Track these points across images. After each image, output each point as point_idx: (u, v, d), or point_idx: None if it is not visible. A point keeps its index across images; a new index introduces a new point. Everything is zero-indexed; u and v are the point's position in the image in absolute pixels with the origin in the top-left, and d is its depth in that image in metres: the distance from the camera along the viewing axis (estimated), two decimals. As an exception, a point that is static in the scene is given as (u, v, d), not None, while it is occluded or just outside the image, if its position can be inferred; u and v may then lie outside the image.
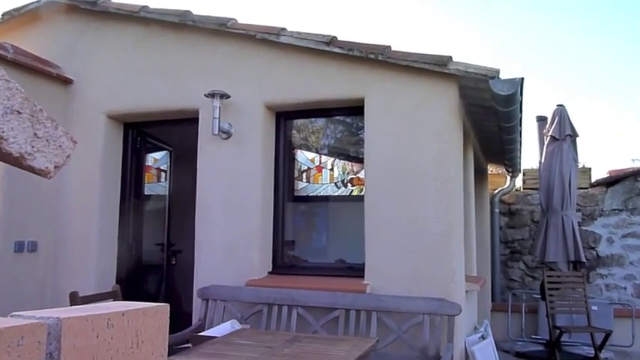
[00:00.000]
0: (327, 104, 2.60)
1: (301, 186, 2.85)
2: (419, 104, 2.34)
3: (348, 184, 2.78)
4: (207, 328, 2.32)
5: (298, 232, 2.92)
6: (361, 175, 2.66)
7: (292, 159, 2.88)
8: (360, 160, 2.70)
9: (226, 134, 2.63)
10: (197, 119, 2.72)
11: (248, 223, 2.55)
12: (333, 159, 2.82)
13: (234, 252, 2.56)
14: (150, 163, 3.45)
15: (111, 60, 2.94)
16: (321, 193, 2.81)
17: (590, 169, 4.66)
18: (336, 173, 2.79)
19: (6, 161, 0.44)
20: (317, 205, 2.93)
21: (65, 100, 2.82)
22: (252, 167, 2.59)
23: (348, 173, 2.80)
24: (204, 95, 2.54)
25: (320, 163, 2.83)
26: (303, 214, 2.99)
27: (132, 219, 3.03)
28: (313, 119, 2.87)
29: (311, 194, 2.84)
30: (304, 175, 2.84)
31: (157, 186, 3.55)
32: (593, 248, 4.42)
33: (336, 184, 2.79)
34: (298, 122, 2.90)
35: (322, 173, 2.77)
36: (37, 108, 0.46)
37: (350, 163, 2.77)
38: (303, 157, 2.87)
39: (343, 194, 2.79)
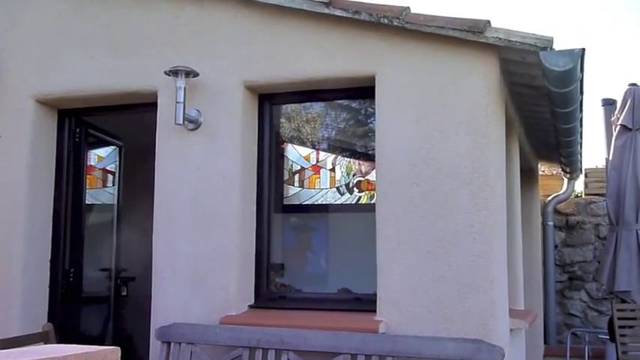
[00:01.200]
0: (327, 84, 2.63)
1: (293, 192, 2.87)
2: (447, 84, 2.37)
3: (355, 190, 2.81)
4: (169, 381, 2.29)
5: (289, 253, 2.96)
6: (371, 177, 2.71)
7: (281, 156, 2.89)
8: (369, 157, 2.75)
9: (194, 124, 2.66)
10: (155, 104, 2.74)
11: (223, 241, 2.58)
12: (334, 156, 2.83)
13: (204, 279, 2.58)
14: (93, 163, 3.48)
15: (41, 28, 2.94)
16: (319, 202, 2.82)
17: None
18: (338, 175, 2.81)
19: None
20: (313, 217, 2.98)
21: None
22: (228, 167, 2.62)
23: (354, 175, 2.82)
24: (165, 73, 2.54)
25: (317, 161, 2.84)
26: (296, 228, 3.03)
27: (69, 236, 3.04)
28: (308, 104, 2.92)
29: (305, 202, 2.87)
30: (297, 177, 2.85)
31: (102, 193, 3.57)
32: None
33: (338, 189, 2.82)
34: (288, 108, 2.95)
35: (320, 175, 2.81)
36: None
37: (357, 162, 2.81)
38: (296, 153, 2.88)
39: (348, 202, 2.81)
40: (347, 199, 2.85)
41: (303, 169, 2.90)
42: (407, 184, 2.38)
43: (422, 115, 2.38)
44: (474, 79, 2.33)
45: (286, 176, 2.89)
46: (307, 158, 2.91)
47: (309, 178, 2.85)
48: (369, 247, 2.46)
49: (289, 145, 2.90)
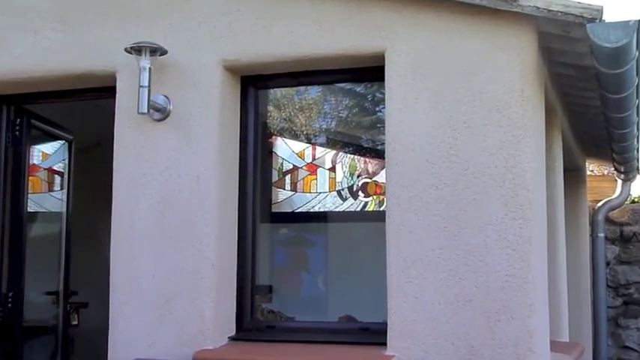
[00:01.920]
0: (325, 63, 2.63)
1: (283, 196, 2.94)
2: (473, 64, 2.37)
3: (360, 194, 2.86)
4: None
5: (279, 272, 3.01)
6: (380, 178, 2.76)
7: (269, 153, 2.96)
8: (378, 153, 2.79)
9: (161, 113, 2.66)
10: (113, 89, 2.74)
11: (197, 258, 2.58)
12: (334, 153, 2.90)
13: (174, 304, 2.58)
14: (37, 161, 3.50)
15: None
16: (316, 209, 2.89)
17: None
18: (339, 176, 2.88)
19: None
20: (309, 228, 3.06)
21: None
22: (204, 167, 2.62)
23: (359, 176, 2.87)
24: (126, 50, 2.53)
25: (314, 159, 2.91)
26: (287, 242, 3.10)
27: (6, 252, 3.02)
28: (303, 88, 2.97)
29: (299, 210, 2.94)
30: (288, 178, 2.92)
31: (47, 198, 3.58)
32: None
33: (339, 193, 2.88)
34: (278, 93, 2.99)
35: (317, 176, 2.86)
36: None
37: (362, 160, 2.88)
38: (287, 149, 2.95)
39: (351, 210, 2.89)
40: (350, 205, 2.89)
41: (296, 168, 2.95)
42: (424, 186, 2.39)
43: (442, 102, 2.39)
44: (506, 57, 2.33)
45: (275, 177, 2.93)
46: (301, 155, 2.96)
47: (303, 179, 2.89)
48: (377, 264, 2.48)
49: (279, 138, 2.93)
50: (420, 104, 2.40)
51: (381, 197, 2.65)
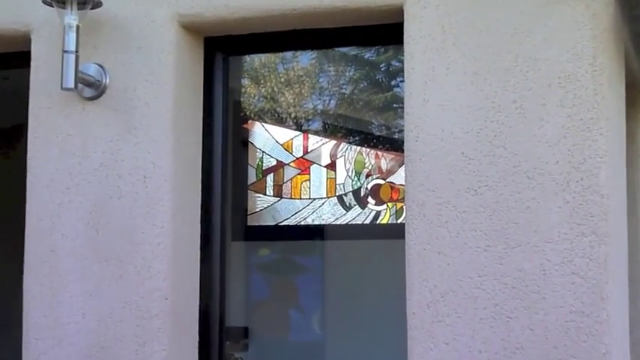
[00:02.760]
0: (321, 20, 2.61)
1: (264, 204, 2.96)
2: (527, 22, 2.32)
3: (369, 200, 2.90)
4: None
5: (258, 309, 3.02)
6: (398, 178, 2.78)
7: (244, 143, 2.97)
8: (395, 145, 2.85)
9: (94, 89, 2.64)
10: (27, 56, 2.72)
11: (143, 289, 2.57)
12: (334, 143, 2.90)
13: (111, 354, 2.56)
14: None
15: None
16: (309, 221, 2.90)
17: None
18: (341, 175, 2.84)
19: None
20: (299, 248, 2.99)
21: None
22: (153, 163, 2.61)
23: (368, 175, 2.89)
24: (43, 1, 2.47)
25: (305, 152, 2.89)
26: (269, 267, 3.06)
27: None
28: (290, 54, 2.97)
29: (285, 222, 2.97)
30: (270, 179, 2.94)
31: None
32: None
33: (341, 199, 2.86)
34: (256, 61, 2.97)
35: (311, 175, 2.83)
36: None
37: (373, 153, 2.88)
38: (269, 139, 2.92)
39: (358, 222, 2.89)
40: (356, 216, 2.91)
41: (281, 165, 2.97)
42: (458, 190, 2.34)
43: (483, 73, 2.34)
44: (571, 12, 2.27)
45: (253, 178, 2.96)
46: (288, 147, 2.97)
47: (291, 180, 2.88)
48: (394, 298, 2.48)
49: (258, 124, 2.95)
50: (452, 77, 2.36)
51: (399, 205, 2.67)
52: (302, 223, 2.97)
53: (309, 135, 2.95)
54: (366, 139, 2.94)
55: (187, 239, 2.69)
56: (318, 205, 2.96)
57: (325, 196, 2.93)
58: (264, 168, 2.96)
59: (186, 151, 2.70)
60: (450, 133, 2.39)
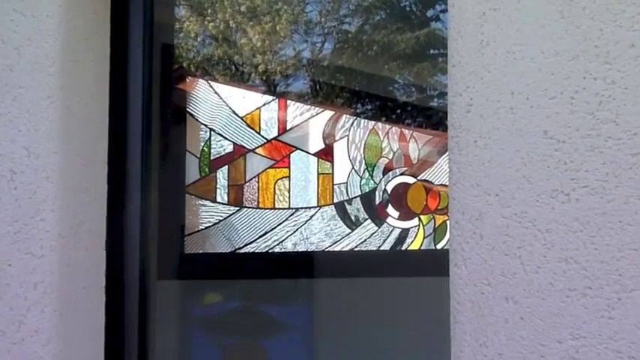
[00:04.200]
0: None
1: (211, 217, 3.00)
2: None
3: (390, 211, 2.93)
4: None
5: None
6: (435, 174, 2.78)
7: (179, 116, 2.97)
8: (431, 117, 2.86)
9: None
10: None
11: (13, 357, 2.55)
12: (331, 116, 2.98)
13: None
14: None
15: None
16: (289, 246, 2.94)
17: None
18: (342, 169, 2.95)
19: None
20: (271, 291, 3.04)
21: None
22: (27, 149, 2.60)
23: (388, 170, 2.97)
24: None
25: (282, 130, 2.97)
26: (221, 323, 3.18)
27: None
28: None
29: (248, 248, 2.97)
30: (222, 175, 3.00)
31: None
32: None
33: (342, 208, 2.96)
34: None
35: (291, 169, 2.91)
36: None
37: (395, 131, 2.89)
38: (220, 108, 3.02)
39: (370, 248, 2.91)
40: (368, 237, 2.87)
41: (241, 151, 2.95)
42: (538, 194, 2.29)
43: (575, 8, 2.27)
44: None
45: (194, 174, 2.93)
46: (253, 122, 2.93)
47: (259, 177, 2.94)
48: None
49: (203, 83, 2.94)
50: (528, 3, 2.31)
51: (440, 219, 2.67)
52: (277, 249, 2.91)
53: (289, 102, 2.89)
54: (384, 108, 2.89)
55: (84, 277, 2.66)
56: (304, 218, 2.89)
57: (315, 204, 2.86)
58: (212, 157, 2.89)
59: (83, 129, 2.69)
60: (525, 99, 2.33)
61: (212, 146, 2.88)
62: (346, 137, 2.89)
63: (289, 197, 2.90)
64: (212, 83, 2.90)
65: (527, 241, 2.29)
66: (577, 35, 2.31)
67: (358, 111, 2.86)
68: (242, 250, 2.91)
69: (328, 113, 2.89)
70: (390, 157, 2.92)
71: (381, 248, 2.89)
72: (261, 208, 2.90)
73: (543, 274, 2.27)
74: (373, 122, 2.88)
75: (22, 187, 2.56)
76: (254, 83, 2.96)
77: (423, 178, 2.84)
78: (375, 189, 2.87)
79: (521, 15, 2.34)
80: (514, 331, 2.28)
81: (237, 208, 2.90)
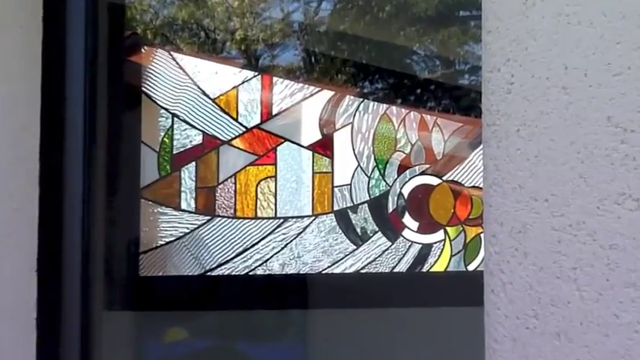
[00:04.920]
0: None
1: (174, 229, 3.03)
2: None
3: (407, 221, 3.00)
4: None
5: None
6: (466, 173, 2.84)
7: (131, 97, 3.02)
8: (460, 99, 2.91)
9: None
10: None
11: None
12: (329, 97, 3.03)
13: None
14: None
15: None
16: (275, 268, 3.00)
17: None
18: (345, 166, 3.01)
19: None
20: (253, 326, 3.06)
21: None
22: None
23: (404, 166, 3.02)
24: None
25: (266, 116, 3.06)
26: None
27: None
28: None
29: (222, 269, 3.00)
30: (188, 174, 3.04)
31: None
32: None
33: (344, 217, 3.01)
34: None
35: (277, 166, 2.98)
36: None
37: (413, 117, 2.96)
38: (185, 85, 3.06)
39: (382, 270, 2.94)
40: (378, 256, 2.88)
41: (213, 143, 2.97)
42: (600, 199, 2.18)
43: None
44: None
45: (151, 174, 2.95)
46: (228, 105, 2.96)
47: (236, 177, 2.99)
48: None
49: (163, 53, 2.95)
50: None
51: (472, 231, 2.70)
52: (260, 271, 2.89)
53: (276, 79, 2.86)
54: (400, 88, 2.89)
55: (8, 308, 2.66)
56: (295, 231, 2.88)
57: (310, 212, 2.85)
58: (175, 151, 2.88)
59: (7, 116, 2.70)
60: (583, 76, 2.24)
61: (175, 137, 2.88)
62: (350, 125, 2.87)
63: (276, 203, 2.89)
64: (175, 55, 2.91)
65: (586, 261, 2.19)
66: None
67: (366, 91, 2.86)
68: (214, 273, 2.90)
69: (327, 94, 2.87)
70: (408, 151, 2.91)
71: (396, 270, 2.87)
72: (239, 218, 2.89)
73: (606, 303, 2.18)
74: (385, 106, 2.88)
75: None
76: (230, 55, 2.99)
77: (450, 179, 2.84)
78: (387, 193, 2.87)
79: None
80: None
81: (208, 218, 2.90)
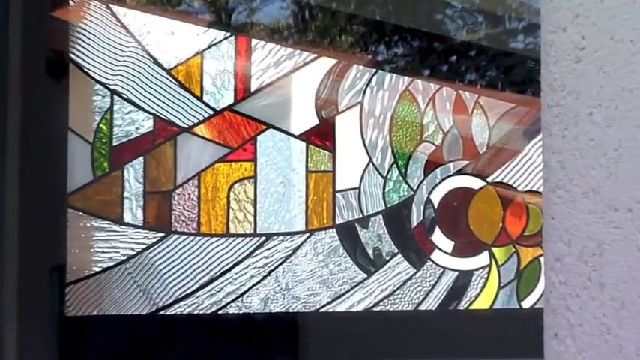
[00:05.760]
0: None
1: (114, 251, 2.97)
2: None
3: (437, 239, 2.97)
4: None
5: None
6: (518, 174, 2.79)
7: (57, 66, 2.92)
8: (509, 73, 2.90)
9: None
10: None
11: None
12: (329, 68, 2.99)
13: None
14: None
15: None
16: (256, 305, 2.98)
17: None
18: (352, 162, 3.00)
19: None
20: None
21: None
22: None
23: (433, 163, 3.00)
24: None
25: (242, 95, 3.04)
26: None
27: None
28: None
29: (184, 306, 2.98)
30: (135, 175, 3.01)
31: None
32: None
33: (351, 233, 3.01)
34: None
35: (257, 164, 2.95)
36: None
37: (445, 95, 2.95)
38: (130, 52, 3.03)
39: (404, 307, 2.90)
40: (397, 287, 2.85)
41: (168, 132, 2.93)
42: None
43: None
44: None
45: (83, 175, 2.88)
46: (186, 77, 2.90)
47: (201, 178, 2.97)
48: None
49: (98, 4, 2.92)
50: None
51: (527, 253, 2.68)
52: (233, 309, 2.82)
53: (255, 42, 2.81)
54: (426, 54, 2.84)
55: None
56: (283, 253, 2.82)
57: (303, 227, 2.80)
58: (116, 143, 2.83)
59: None
60: None
61: (116, 123, 2.81)
62: (358, 106, 2.82)
63: (255, 215, 2.83)
64: (116, 9, 2.83)
65: (691, 290, 2.19)
66: None
67: (380, 58, 2.81)
68: (169, 311, 2.84)
69: (326, 63, 2.82)
70: (438, 143, 2.85)
71: (422, 307, 2.82)
72: (204, 235, 2.84)
73: None
74: (407, 79, 2.80)
75: None
76: (192, 8, 2.93)
77: (497, 181, 2.78)
78: (410, 200, 2.81)
79: None
80: None
81: (162, 235, 2.84)
